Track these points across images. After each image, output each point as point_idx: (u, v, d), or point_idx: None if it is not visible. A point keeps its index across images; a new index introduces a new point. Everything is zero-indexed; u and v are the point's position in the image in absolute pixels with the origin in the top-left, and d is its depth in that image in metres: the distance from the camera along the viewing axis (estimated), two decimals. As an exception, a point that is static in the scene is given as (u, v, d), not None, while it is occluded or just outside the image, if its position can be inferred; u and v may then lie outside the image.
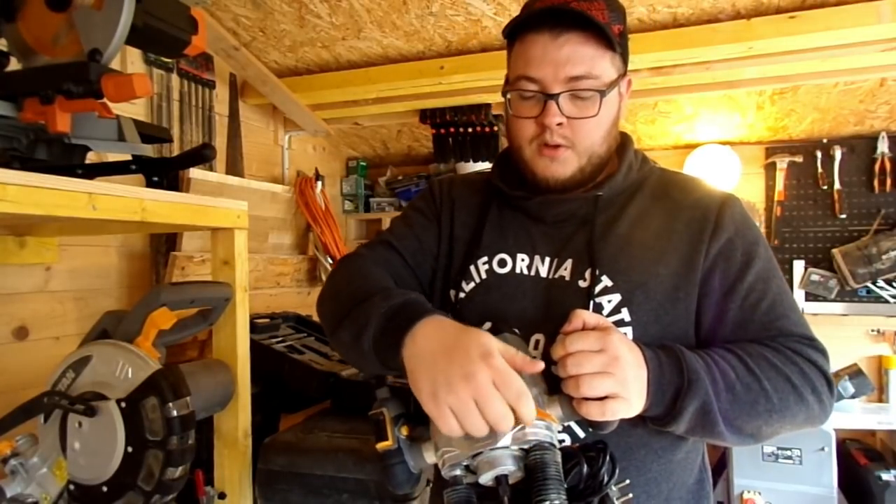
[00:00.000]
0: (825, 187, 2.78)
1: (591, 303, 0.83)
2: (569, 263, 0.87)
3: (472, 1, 1.97)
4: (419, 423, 0.76)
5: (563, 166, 0.86)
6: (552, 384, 0.73)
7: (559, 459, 0.67)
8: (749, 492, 2.50)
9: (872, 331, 2.74)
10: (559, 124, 0.83)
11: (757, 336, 0.82)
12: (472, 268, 0.92)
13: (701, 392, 0.73)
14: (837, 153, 2.75)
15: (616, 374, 0.68)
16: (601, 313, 0.82)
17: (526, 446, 0.67)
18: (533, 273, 0.89)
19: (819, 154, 2.78)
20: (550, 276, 0.88)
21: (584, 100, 0.83)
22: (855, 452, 2.60)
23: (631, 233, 0.87)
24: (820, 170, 2.78)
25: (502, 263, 0.91)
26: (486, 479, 0.67)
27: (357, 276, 0.91)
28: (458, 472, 0.69)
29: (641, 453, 0.83)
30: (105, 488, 0.94)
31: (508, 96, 0.88)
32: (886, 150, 2.68)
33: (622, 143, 0.95)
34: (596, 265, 0.84)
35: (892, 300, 2.67)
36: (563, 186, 0.87)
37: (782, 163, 2.83)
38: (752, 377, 0.76)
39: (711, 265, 0.84)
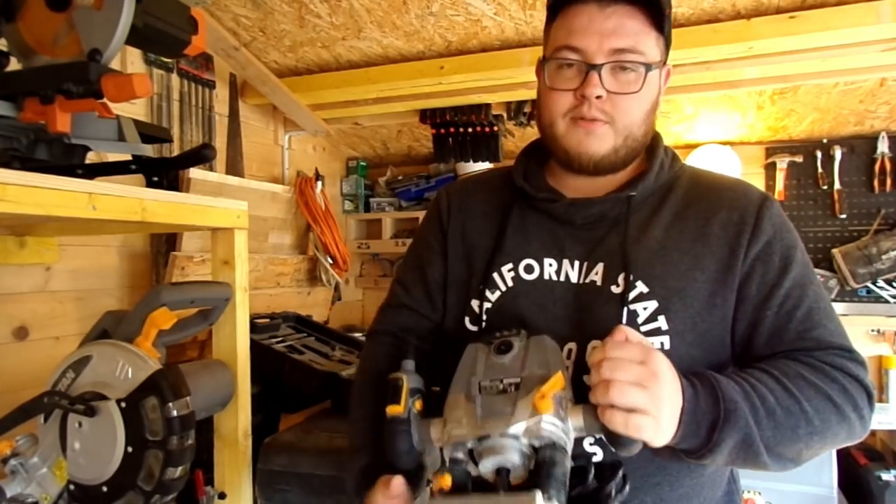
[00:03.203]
0: (825, 187, 2.78)
1: (626, 310, 0.79)
2: (600, 267, 0.83)
3: (472, 1, 1.97)
4: (433, 403, 0.75)
5: (600, 142, 0.82)
6: (580, 395, 0.70)
7: (568, 464, 0.64)
8: (749, 492, 2.50)
9: (872, 331, 2.73)
10: (598, 97, 0.79)
11: (792, 345, 0.78)
12: (495, 275, 0.88)
13: (741, 423, 0.69)
14: (837, 153, 2.75)
15: (650, 389, 0.65)
16: (636, 321, 0.79)
17: (537, 443, 0.64)
18: (563, 279, 0.85)
19: (819, 154, 2.78)
20: (581, 282, 0.84)
21: (627, 75, 0.80)
22: (855, 452, 2.60)
23: (666, 236, 0.83)
24: (820, 170, 2.78)
25: (529, 269, 0.87)
26: (486, 467, 0.65)
27: (365, 386, 0.95)
28: (459, 454, 0.67)
29: (674, 469, 0.80)
30: (105, 488, 0.94)
31: (546, 67, 0.83)
32: (886, 150, 2.67)
33: (652, 140, 0.90)
34: (630, 269, 0.80)
35: (892, 300, 2.67)
36: (597, 166, 0.83)
37: (782, 163, 2.83)
38: (791, 399, 0.72)
39: (749, 270, 0.81)
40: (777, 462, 0.72)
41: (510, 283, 0.87)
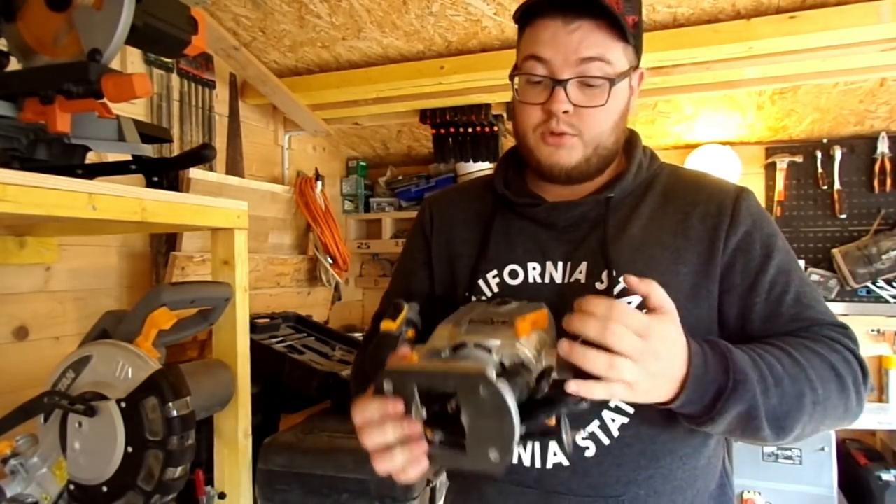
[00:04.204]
0: (825, 187, 2.78)
1: None
2: (583, 266, 0.85)
3: (472, 1, 1.97)
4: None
5: (569, 154, 0.83)
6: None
7: (531, 384, 0.64)
8: (749, 492, 2.50)
9: (872, 331, 2.74)
10: (565, 112, 0.81)
11: (787, 327, 0.80)
12: (480, 282, 0.89)
13: (748, 395, 0.69)
14: (837, 153, 2.75)
15: (645, 365, 0.63)
16: None
17: (507, 361, 0.64)
18: (547, 281, 0.87)
19: (819, 154, 2.78)
20: (565, 281, 0.86)
21: (593, 88, 0.81)
22: (855, 452, 2.60)
23: (646, 232, 0.85)
24: (820, 170, 2.78)
25: (514, 275, 0.88)
26: None
27: (359, 378, 0.99)
28: (445, 352, 0.67)
29: (668, 461, 0.81)
30: (105, 488, 0.94)
31: (516, 81, 0.85)
32: (886, 150, 2.68)
33: (630, 141, 0.92)
34: (612, 266, 0.82)
35: (892, 300, 2.67)
36: (569, 176, 0.85)
37: (782, 163, 2.83)
38: (797, 367, 0.73)
39: (730, 260, 0.82)
40: (776, 432, 0.72)
41: (495, 289, 0.88)
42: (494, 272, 0.89)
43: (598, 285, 0.82)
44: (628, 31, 0.80)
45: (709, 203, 0.85)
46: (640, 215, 0.87)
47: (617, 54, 0.81)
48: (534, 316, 0.68)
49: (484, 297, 0.89)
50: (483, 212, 0.95)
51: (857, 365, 0.77)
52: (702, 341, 0.72)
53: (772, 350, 0.74)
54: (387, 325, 0.75)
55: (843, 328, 0.81)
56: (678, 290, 0.81)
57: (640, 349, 0.63)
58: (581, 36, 0.79)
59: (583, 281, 0.84)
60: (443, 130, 2.73)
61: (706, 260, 0.82)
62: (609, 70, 0.81)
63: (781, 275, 0.81)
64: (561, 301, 0.84)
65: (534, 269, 0.88)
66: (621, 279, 0.81)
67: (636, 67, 0.86)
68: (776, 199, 2.83)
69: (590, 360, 0.62)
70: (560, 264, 0.87)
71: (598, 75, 0.80)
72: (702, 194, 0.87)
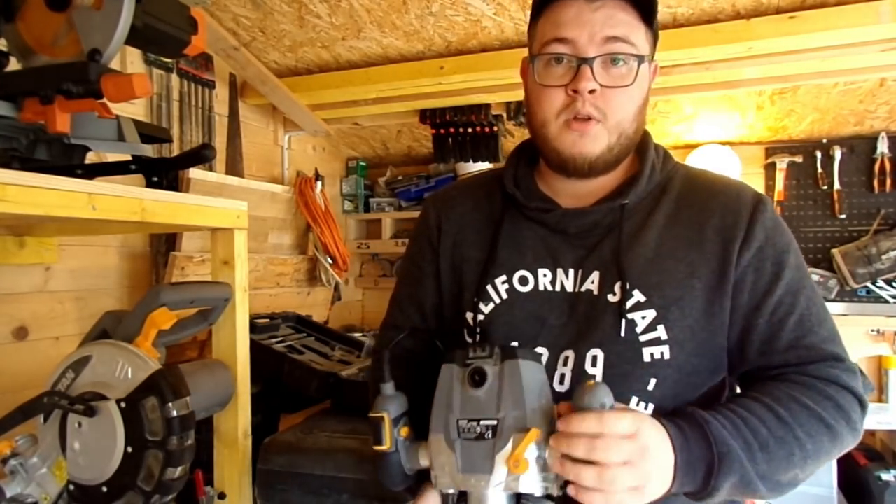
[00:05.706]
0: (825, 187, 2.78)
1: (623, 320, 0.78)
2: (595, 276, 0.82)
3: (472, 1, 1.97)
4: (421, 422, 0.76)
5: (593, 142, 0.80)
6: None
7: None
8: (749, 492, 2.50)
9: (872, 331, 2.74)
10: (592, 91, 0.77)
11: (785, 354, 0.78)
12: (489, 288, 0.87)
13: (735, 465, 0.69)
14: (837, 153, 2.75)
15: (639, 466, 0.64)
16: (635, 330, 0.78)
17: (514, 500, 0.69)
18: (558, 288, 0.84)
19: (819, 154, 2.78)
20: (576, 290, 0.83)
21: (619, 68, 0.79)
22: (855, 452, 2.60)
23: (660, 242, 0.82)
24: (820, 170, 2.78)
25: (524, 281, 0.86)
26: None
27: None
28: (451, 490, 0.72)
29: None
30: (105, 488, 0.94)
31: (535, 64, 0.82)
32: (886, 150, 2.68)
33: (642, 140, 0.88)
34: (626, 278, 0.79)
35: (892, 300, 2.67)
36: (592, 167, 0.81)
37: (782, 163, 2.83)
38: (784, 428, 0.72)
39: (741, 277, 0.80)
40: (774, 490, 0.72)
41: (504, 296, 0.86)
42: (503, 278, 0.86)
43: (610, 297, 0.80)
44: (653, 11, 0.79)
45: (724, 215, 0.82)
46: (655, 223, 0.84)
47: (640, 37, 0.80)
48: (524, 445, 0.66)
49: (475, 337, 0.87)
50: (492, 213, 0.92)
51: (854, 402, 0.76)
52: (676, 420, 0.71)
53: (757, 410, 0.73)
54: (380, 450, 0.75)
55: (841, 360, 0.78)
56: (693, 305, 0.79)
57: (632, 451, 0.64)
58: (606, 14, 0.77)
59: (595, 292, 0.82)
60: (443, 130, 2.73)
61: (719, 275, 0.80)
62: (634, 50, 0.79)
63: (788, 295, 0.79)
64: (572, 310, 0.82)
65: (544, 275, 0.85)
66: (635, 292, 0.79)
67: (652, 59, 0.84)
68: (776, 199, 2.83)
69: (582, 477, 0.63)
70: (571, 271, 0.84)
71: (626, 52, 0.78)
72: (717, 204, 0.84)
